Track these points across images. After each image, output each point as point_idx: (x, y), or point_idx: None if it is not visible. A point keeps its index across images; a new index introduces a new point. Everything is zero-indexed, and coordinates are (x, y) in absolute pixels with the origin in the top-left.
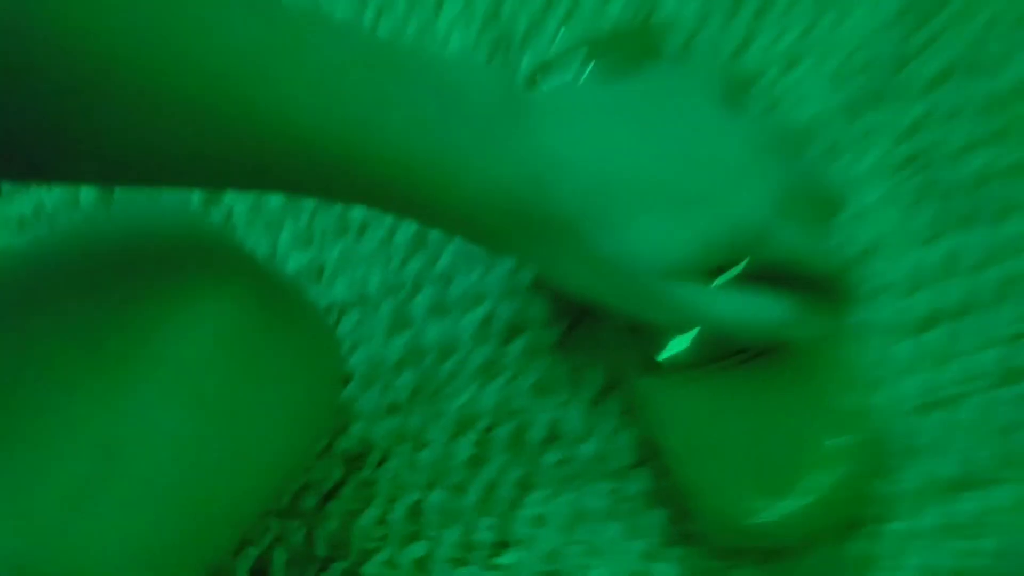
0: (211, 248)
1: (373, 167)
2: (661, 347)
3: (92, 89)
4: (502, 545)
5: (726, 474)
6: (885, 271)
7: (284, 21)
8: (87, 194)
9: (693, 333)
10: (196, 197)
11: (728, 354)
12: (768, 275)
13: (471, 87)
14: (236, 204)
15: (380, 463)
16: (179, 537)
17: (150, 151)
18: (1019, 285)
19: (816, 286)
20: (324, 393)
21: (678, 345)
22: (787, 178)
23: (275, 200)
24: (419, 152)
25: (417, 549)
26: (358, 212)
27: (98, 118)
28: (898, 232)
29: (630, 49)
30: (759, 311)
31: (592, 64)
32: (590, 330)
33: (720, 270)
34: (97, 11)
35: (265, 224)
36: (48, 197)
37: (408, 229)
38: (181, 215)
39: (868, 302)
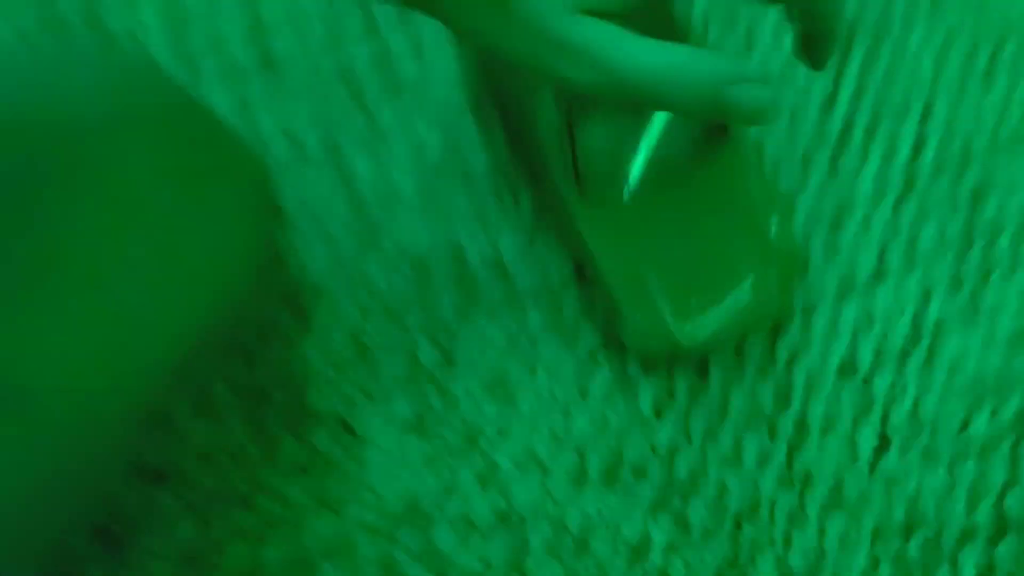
0: (140, 84)
1: None
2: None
3: None
4: (445, 363)
5: (651, 286)
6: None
7: None
8: None
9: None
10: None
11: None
12: None
13: None
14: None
15: (319, 294)
16: (116, 347)
17: None
18: (918, 98)
19: None
20: (258, 226)
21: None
22: None
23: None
24: None
25: (360, 373)
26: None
27: None
28: None
29: None
30: (694, 62)
31: None
32: (522, 152)
33: None
34: None
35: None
36: None
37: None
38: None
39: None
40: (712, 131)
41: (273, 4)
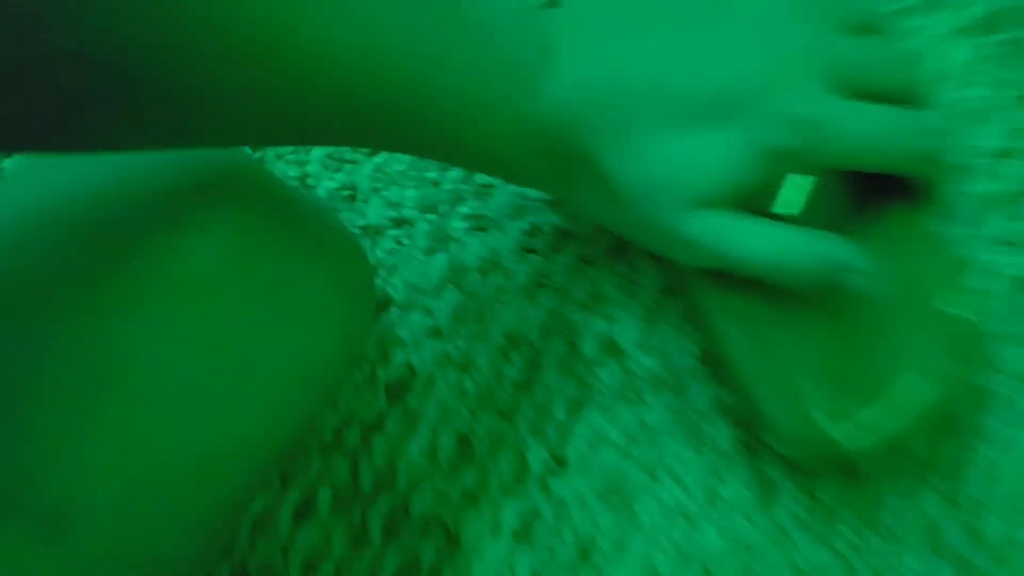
0: (226, 173)
1: (406, 108)
2: None
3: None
4: (558, 466)
5: (798, 381)
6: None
7: None
8: None
9: None
10: None
11: None
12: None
13: (496, 21)
14: None
15: (425, 390)
16: (185, 466)
17: (204, 102)
18: None
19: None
20: (354, 316)
21: None
22: (848, 53)
23: None
24: (449, 93)
25: (468, 477)
26: None
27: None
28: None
29: None
30: (802, 247)
31: None
32: None
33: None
34: None
35: (293, 150)
36: None
37: None
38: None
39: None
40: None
41: None
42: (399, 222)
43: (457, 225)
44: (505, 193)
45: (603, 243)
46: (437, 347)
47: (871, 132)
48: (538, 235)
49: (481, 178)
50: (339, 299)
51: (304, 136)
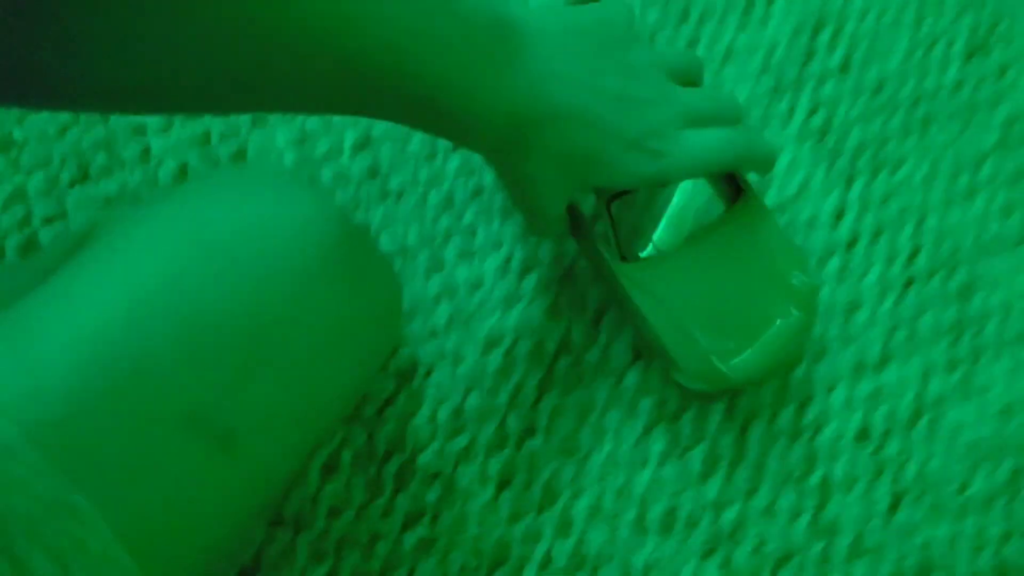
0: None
1: (406, 87)
2: (632, 244)
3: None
4: (529, 432)
5: (697, 333)
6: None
7: None
8: (165, 172)
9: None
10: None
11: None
12: None
13: (477, 16)
14: None
15: (426, 376)
16: (310, 409)
17: (209, 68)
18: (913, 213)
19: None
20: (390, 324)
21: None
22: (689, 98)
23: (327, 175)
24: (443, 75)
25: (461, 441)
26: (395, 182)
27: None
28: (819, 180)
29: None
30: (721, 136)
31: None
32: (586, 255)
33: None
34: None
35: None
36: (131, 178)
37: (439, 193)
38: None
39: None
40: (728, 195)
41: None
42: (404, 250)
43: (449, 255)
44: (486, 232)
45: (558, 270)
46: (435, 344)
47: (712, 145)
48: (511, 262)
49: (468, 219)
50: (387, 310)
51: (315, 104)
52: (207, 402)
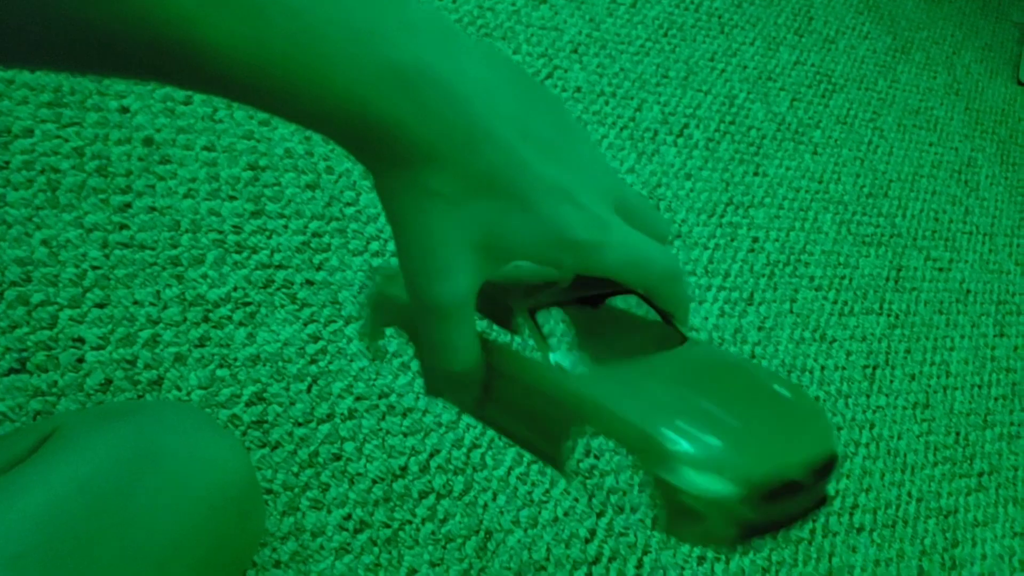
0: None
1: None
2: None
3: None
4: None
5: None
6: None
7: None
8: (92, 382)
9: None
10: None
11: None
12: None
13: None
14: None
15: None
16: None
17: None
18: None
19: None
20: (257, 536)
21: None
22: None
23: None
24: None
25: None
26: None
27: None
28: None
29: None
30: (653, 243)
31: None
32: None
33: None
34: None
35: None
36: (62, 380)
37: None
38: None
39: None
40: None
41: None
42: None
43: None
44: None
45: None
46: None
47: (647, 243)
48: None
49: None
50: (258, 535)
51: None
52: None
